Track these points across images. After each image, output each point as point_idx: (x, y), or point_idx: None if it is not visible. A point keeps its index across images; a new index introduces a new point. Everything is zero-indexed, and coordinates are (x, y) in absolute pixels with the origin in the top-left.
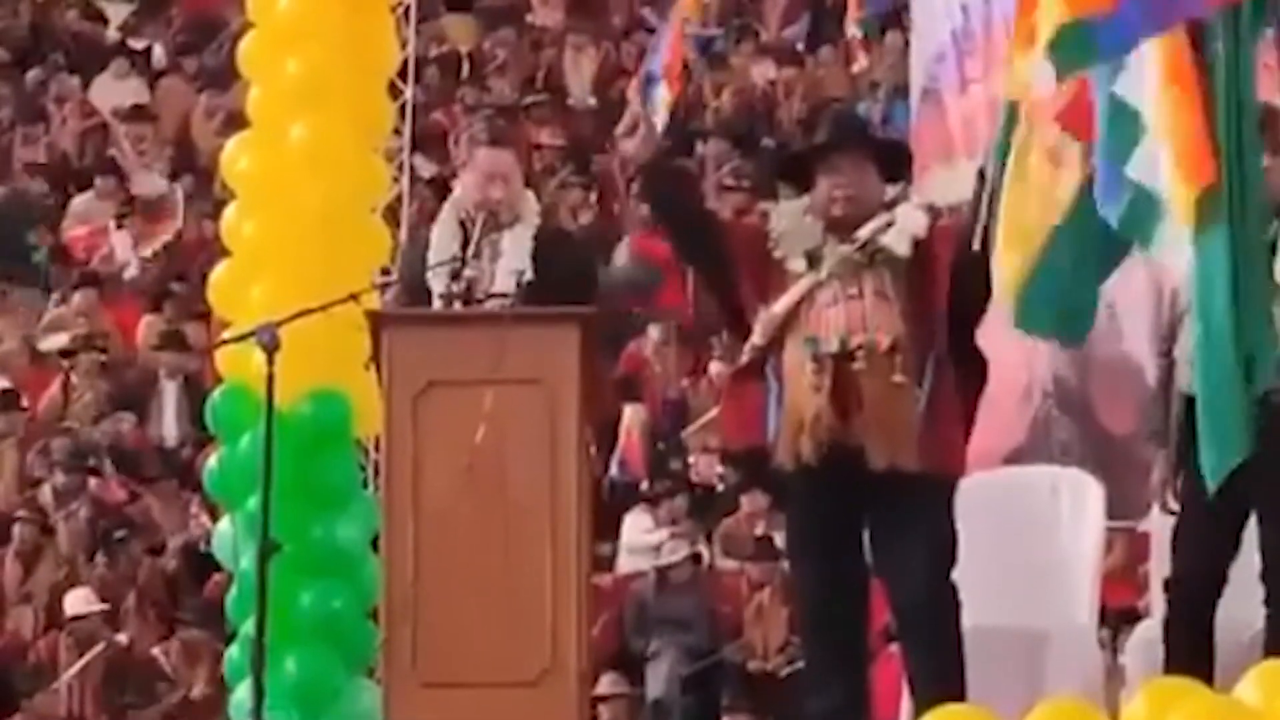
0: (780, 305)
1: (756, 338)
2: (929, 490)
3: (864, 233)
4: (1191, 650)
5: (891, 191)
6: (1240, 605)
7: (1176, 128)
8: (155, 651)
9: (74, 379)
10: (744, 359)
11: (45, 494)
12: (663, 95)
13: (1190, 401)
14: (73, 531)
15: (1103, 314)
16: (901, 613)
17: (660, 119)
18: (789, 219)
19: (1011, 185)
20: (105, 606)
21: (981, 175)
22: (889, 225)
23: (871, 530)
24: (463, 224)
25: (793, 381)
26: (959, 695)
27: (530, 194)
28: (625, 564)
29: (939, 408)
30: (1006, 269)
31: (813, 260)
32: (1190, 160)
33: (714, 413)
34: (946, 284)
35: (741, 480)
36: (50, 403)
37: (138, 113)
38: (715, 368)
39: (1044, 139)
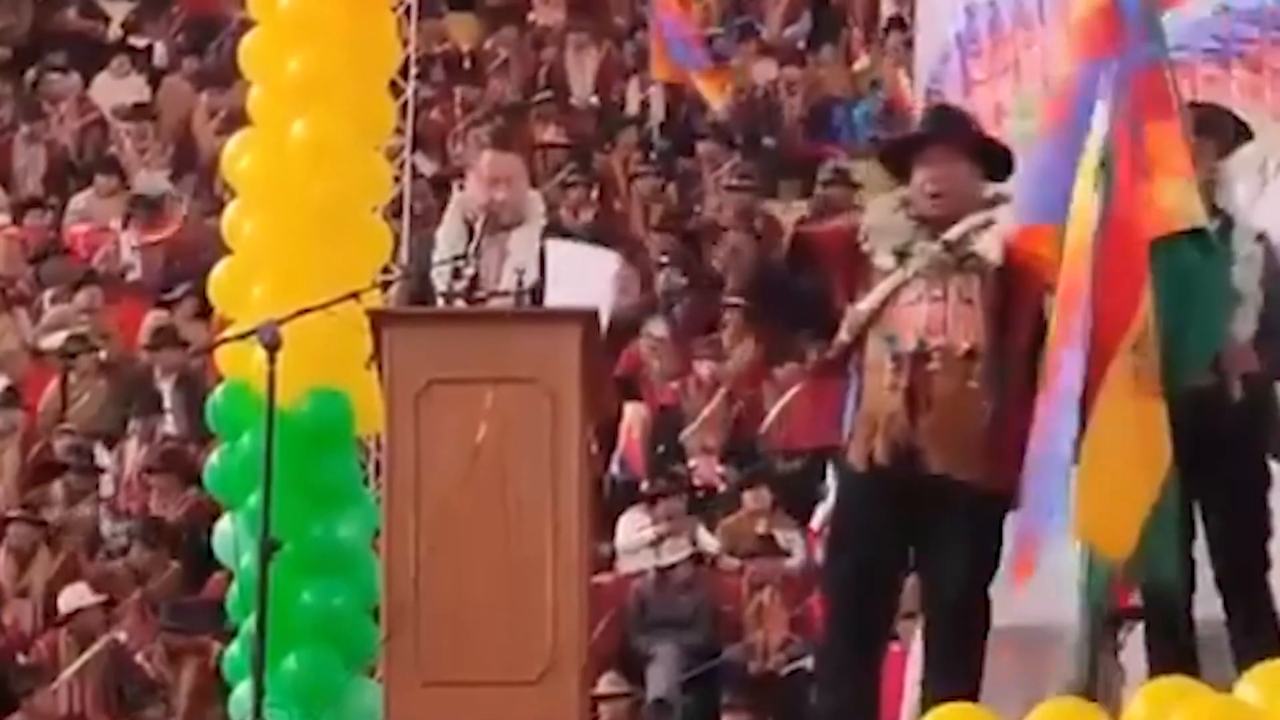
0: (866, 303)
1: (844, 334)
2: (983, 504)
3: (956, 231)
4: (1173, 651)
5: (992, 190)
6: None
7: None
8: (139, 658)
9: (72, 378)
10: (830, 354)
11: (55, 490)
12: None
13: None
14: (77, 529)
15: None
16: (933, 614)
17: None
18: (880, 213)
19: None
20: (102, 598)
21: None
22: (987, 225)
23: (921, 531)
24: (468, 224)
25: (871, 379)
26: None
27: (536, 195)
28: (621, 566)
29: (1005, 422)
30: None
31: (901, 257)
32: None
33: (707, 412)
34: (1039, 301)
35: (743, 478)
36: (50, 402)
37: (138, 111)
38: (705, 368)
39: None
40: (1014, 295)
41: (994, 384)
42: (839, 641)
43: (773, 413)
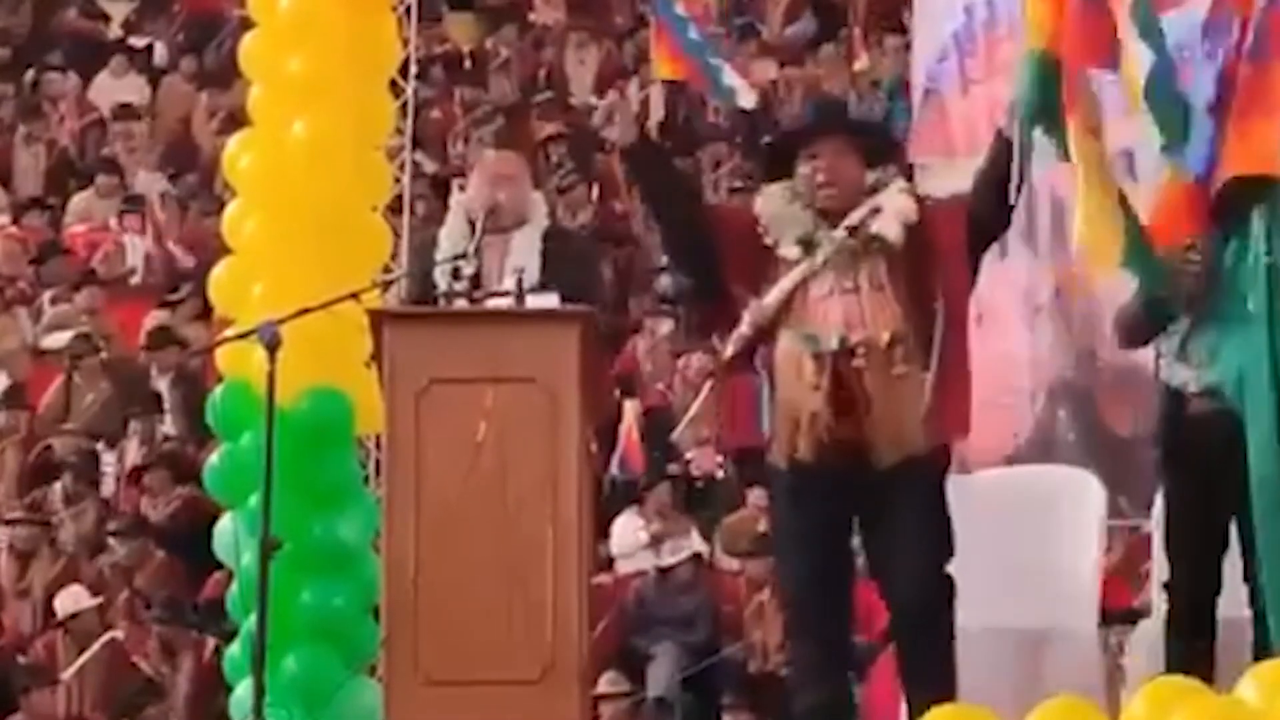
0: (773, 296)
1: (745, 328)
2: (925, 479)
3: (853, 219)
4: (1193, 648)
5: (872, 177)
6: (1241, 605)
7: None
8: (136, 657)
9: (77, 379)
10: (731, 349)
11: (55, 492)
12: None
13: (1174, 396)
14: (79, 531)
15: (1108, 317)
16: (896, 609)
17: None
18: (776, 204)
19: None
20: (98, 601)
21: (1001, 134)
22: (876, 211)
23: (865, 529)
24: (471, 223)
25: (786, 376)
26: (950, 694)
27: (539, 196)
28: (621, 566)
29: (948, 384)
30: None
31: (807, 247)
32: None
33: (696, 406)
34: (960, 268)
35: (747, 475)
36: (52, 402)
37: (125, 110)
38: (692, 361)
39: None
40: (922, 268)
41: (923, 357)
42: (801, 649)
43: (687, 415)
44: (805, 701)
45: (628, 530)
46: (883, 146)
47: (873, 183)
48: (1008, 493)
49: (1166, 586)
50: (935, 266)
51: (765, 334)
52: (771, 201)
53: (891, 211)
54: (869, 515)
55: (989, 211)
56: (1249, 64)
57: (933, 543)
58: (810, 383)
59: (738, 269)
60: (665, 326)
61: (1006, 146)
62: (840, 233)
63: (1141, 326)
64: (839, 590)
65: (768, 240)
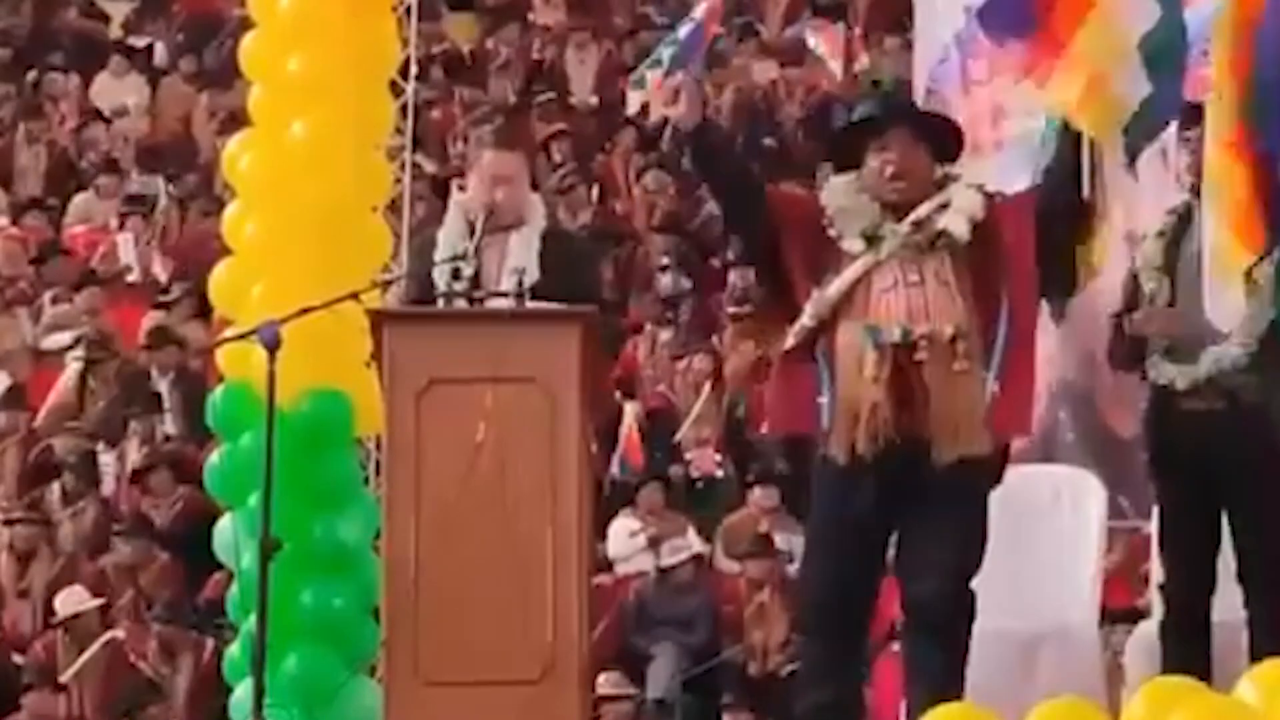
0: (835, 287)
1: (807, 319)
2: (976, 485)
3: (919, 214)
4: (1188, 650)
5: (940, 171)
6: (1236, 609)
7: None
8: (135, 657)
9: (91, 384)
10: (792, 340)
11: (53, 492)
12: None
13: (1160, 393)
14: (78, 531)
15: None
16: (911, 611)
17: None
18: (842, 196)
19: None
20: (100, 602)
21: (1068, 127)
22: (944, 206)
23: (902, 526)
24: (470, 224)
25: (846, 368)
26: (956, 700)
27: (537, 198)
28: (620, 569)
29: (1012, 383)
30: None
31: (871, 240)
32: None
33: (698, 407)
34: (1027, 267)
35: (749, 475)
36: (61, 402)
37: (98, 115)
38: (694, 362)
39: None
40: (987, 265)
41: (986, 356)
42: (815, 648)
43: (690, 417)
44: (812, 700)
45: (622, 534)
46: (953, 141)
47: (940, 178)
48: (1009, 493)
49: (1161, 588)
50: (1002, 264)
51: (827, 325)
52: (837, 193)
53: (959, 208)
54: (914, 513)
55: (1058, 207)
56: None
57: (965, 553)
58: (871, 375)
59: (800, 257)
60: (665, 331)
61: (1074, 140)
62: (905, 227)
63: (1125, 352)
64: (865, 592)
65: (832, 232)
